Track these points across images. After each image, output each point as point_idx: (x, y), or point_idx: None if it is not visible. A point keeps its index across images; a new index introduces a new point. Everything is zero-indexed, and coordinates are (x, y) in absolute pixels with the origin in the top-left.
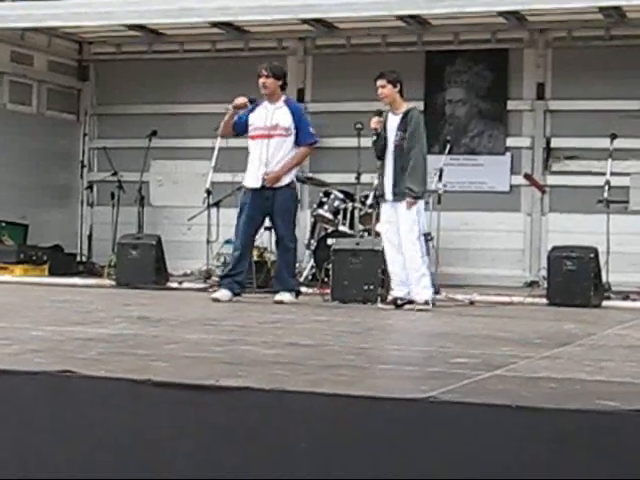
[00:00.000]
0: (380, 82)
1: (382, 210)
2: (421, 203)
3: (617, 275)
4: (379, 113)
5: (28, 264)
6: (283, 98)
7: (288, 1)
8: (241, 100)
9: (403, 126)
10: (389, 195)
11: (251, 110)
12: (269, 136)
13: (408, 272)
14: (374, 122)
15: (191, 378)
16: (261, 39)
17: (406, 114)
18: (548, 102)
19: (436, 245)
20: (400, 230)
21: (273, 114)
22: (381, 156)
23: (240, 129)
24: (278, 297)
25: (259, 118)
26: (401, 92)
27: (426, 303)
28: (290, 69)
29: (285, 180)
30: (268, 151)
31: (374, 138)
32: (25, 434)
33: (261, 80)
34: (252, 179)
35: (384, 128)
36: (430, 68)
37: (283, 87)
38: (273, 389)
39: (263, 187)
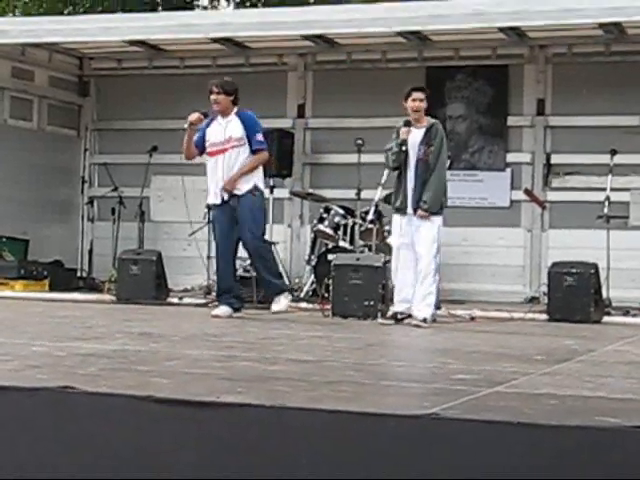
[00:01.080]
0: (421, 95)
1: (396, 222)
2: (440, 220)
3: (617, 291)
4: (408, 123)
5: (28, 279)
6: (235, 111)
7: (288, 17)
8: (194, 116)
9: (427, 140)
10: (410, 210)
11: (207, 125)
12: (224, 150)
13: (417, 288)
14: (404, 132)
15: (192, 394)
16: (261, 55)
17: (429, 128)
18: (548, 118)
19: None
20: (420, 247)
21: (226, 128)
22: (398, 167)
23: (200, 146)
24: (274, 307)
25: (214, 134)
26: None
27: (424, 320)
28: (290, 85)
29: (245, 187)
30: (224, 164)
31: (402, 148)
32: (26, 450)
33: (212, 97)
34: (214, 195)
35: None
36: (430, 84)
37: (235, 102)
38: (273, 405)
39: (225, 201)
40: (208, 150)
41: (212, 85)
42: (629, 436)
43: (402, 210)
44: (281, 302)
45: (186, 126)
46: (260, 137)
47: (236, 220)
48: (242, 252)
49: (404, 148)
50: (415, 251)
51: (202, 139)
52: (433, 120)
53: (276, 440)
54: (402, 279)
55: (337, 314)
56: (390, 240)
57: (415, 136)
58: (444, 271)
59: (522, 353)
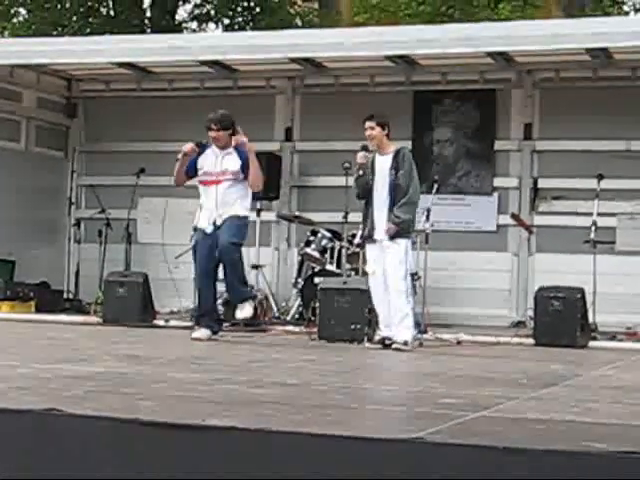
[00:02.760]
0: (370, 124)
1: (369, 251)
2: (409, 243)
3: (604, 315)
4: (365, 147)
5: (15, 301)
6: (233, 144)
7: (277, 40)
8: (189, 147)
9: (395, 165)
10: (379, 234)
11: (200, 152)
12: (218, 182)
13: (392, 312)
14: (360, 157)
15: (178, 417)
16: (250, 78)
17: (397, 153)
18: (535, 142)
19: (423, 284)
20: (387, 269)
21: (222, 160)
22: (363, 196)
23: (191, 172)
24: (239, 314)
25: (209, 163)
26: (388, 134)
27: (405, 344)
28: (278, 108)
29: (238, 212)
30: (217, 196)
31: (359, 173)
32: (10, 472)
33: (212, 134)
34: (204, 221)
35: (371, 169)
36: (418, 108)
37: (233, 133)
38: (259, 429)
39: (216, 228)
40: (201, 179)
41: (210, 122)
42: (615, 461)
43: (370, 238)
44: (245, 309)
45: (180, 156)
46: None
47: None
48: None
49: (360, 173)
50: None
51: (194, 166)
52: (399, 146)
53: (261, 464)
54: (382, 305)
55: (323, 337)
56: (366, 268)
57: (382, 163)
58: (430, 295)
59: (508, 377)
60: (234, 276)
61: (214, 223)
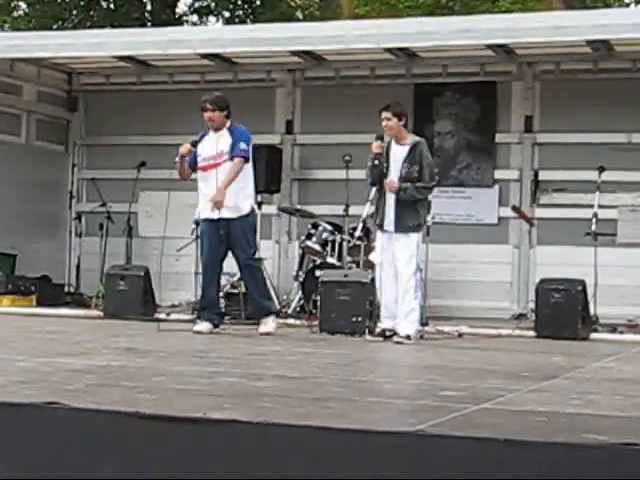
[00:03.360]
0: (386, 114)
1: (378, 239)
2: (420, 237)
3: (605, 308)
4: (380, 137)
5: (16, 294)
6: (227, 125)
7: (277, 33)
8: (185, 149)
9: (411, 158)
10: (389, 226)
11: (198, 142)
12: (216, 165)
13: (399, 305)
14: (376, 146)
15: (178, 410)
16: (250, 71)
17: (414, 147)
18: (536, 135)
19: (424, 277)
20: (398, 263)
21: (217, 142)
22: (375, 183)
23: (193, 164)
24: (262, 328)
25: (206, 148)
26: (405, 124)
27: (407, 337)
28: (279, 101)
29: (241, 211)
30: (218, 179)
31: (375, 163)
32: (11, 466)
33: (207, 114)
34: (205, 210)
35: (386, 157)
36: (419, 100)
37: (228, 116)
38: (260, 422)
39: (218, 218)
40: (200, 165)
41: (205, 102)
42: (616, 453)
43: (382, 227)
44: (269, 324)
45: (178, 159)
46: (243, 146)
47: (225, 239)
48: (229, 268)
49: (376, 162)
50: (395, 267)
51: (194, 158)
52: (417, 138)
53: (262, 457)
54: (387, 296)
55: (324, 330)
56: (372, 257)
57: (397, 153)
58: (432, 287)
59: (509, 370)
60: (256, 290)
61: (214, 219)
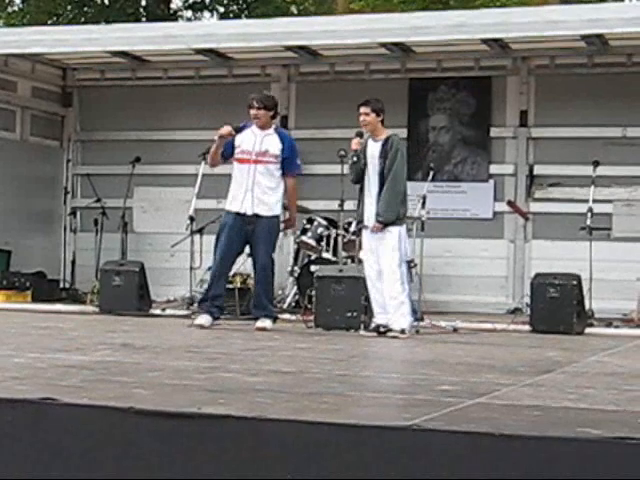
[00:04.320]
0: (364, 109)
1: (363, 236)
2: (403, 229)
3: (600, 302)
4: (360, 134)
5: (11, 290)
6: (274, 127)
7: (272, 28)
8: (226, 130)
9: (384, 153)
10: (370, 222)
11: (237, 133)
12: (257, 161)
13: (387, 299)
14: (355, 143)
15: (173, 406)
16: (245, 66)
17: (386, 141)
18: (531, 129)
19: (419, 272)
20: (380, 257)
21: (263, 140)
22: (357, 181)
23: (227, 153)
24: (260, 324)
25: (247, 142)
26: (382, 121)
27: (402, 332)
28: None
29: (271, 211)
30: (255, 177)
31: (354, 160)
32: (6, 462)
33: (253, 112)
34: (236, 203)
35: (364, 154)
36: (413, 95)
37: (274, 116)
38: (255, 417)
39: (251, 214)
40: (238, 157)
41: (253, 100)
42: (611, 447)
43: (363, 224)
44: (266, 322)
45: (216, 137)
46: (299, 161)
47: (248, 235)
48: None
49: (355, 159)
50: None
51: (231, 147)
52: (390, 132)
53: (257, 452)
54: (376, 291)
55: (320, 325)
56: (361, 254)
57: (373, 149)
58: (427, 282)
59: (504, 364)
60: (263, 292)
61: (245, 213)
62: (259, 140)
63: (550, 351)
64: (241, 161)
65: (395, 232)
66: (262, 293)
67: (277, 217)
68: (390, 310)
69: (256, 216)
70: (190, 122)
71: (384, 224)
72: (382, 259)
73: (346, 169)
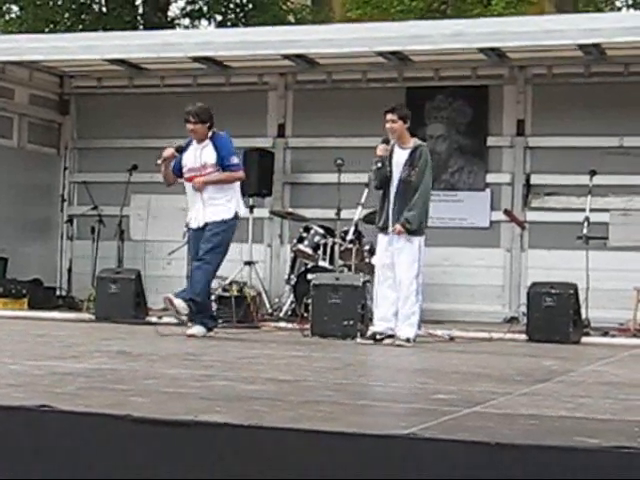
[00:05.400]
0: (391, 116)
1: (380, 241)
2: (422, 241)
3: (596, 311)
4: (386, 141)
5: (7, 298)
6: (209, 135)
7: (269, 36)
8: (168, 152)
9: (411, 162)
10: (391, 229)
11: (184, 150)
12: (200, 177)
13: (399, 309)
14: (381, 149)
15: (170, 414)
16: (242, 74)
17: (415, 150)
18: (528, 138)
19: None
20: (399, 266)
21: (201, 154)
22: (381, 186)
23: (177, 172)
24: (190, 331)
25: (190, 159)
26: (409, 128)
27: (407, 341)
28: (271, 104)
29: (218, 216)
30: (202, 192)
31: (378, 166)
32: (2, 469)
33: (189, 126)
34: (194, 221)
35: (389, 160)
36: (410, 104)
37: (210, 127)
38: (251, 425)
39: (205, 225)
40: (185, 175)
41: (188, 115)
42: (607, 457)
43: (384, 230)
44: (197, 328)
45: (160, 162)
46: (234, 160)
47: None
48: (221, 272)
49: (379, 165)
50: (396, 271)
51: (179, 164)
52: (419, 142)
53: (253, 460)
54: (383, 298)
55: (316, 334)
56: (373, 259)
57: (399, 156)
58: (424, 291)
59: (501, 373)
60: (192, 293)
61: (204, 224)
62: (198, 154)
63: (546, 360)
64: (188, 179)
65: (416, 243)
66: (195, 281)
67: (228, 219)
68: (400, 318)
69: (206, 224)
70: (187, 130)
71: (408, 231)
72: (401, 269)
73: (343, 178)
